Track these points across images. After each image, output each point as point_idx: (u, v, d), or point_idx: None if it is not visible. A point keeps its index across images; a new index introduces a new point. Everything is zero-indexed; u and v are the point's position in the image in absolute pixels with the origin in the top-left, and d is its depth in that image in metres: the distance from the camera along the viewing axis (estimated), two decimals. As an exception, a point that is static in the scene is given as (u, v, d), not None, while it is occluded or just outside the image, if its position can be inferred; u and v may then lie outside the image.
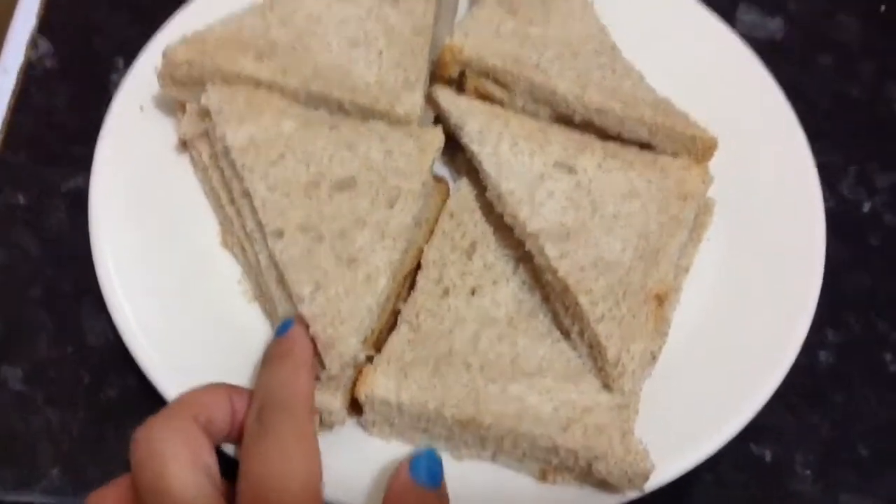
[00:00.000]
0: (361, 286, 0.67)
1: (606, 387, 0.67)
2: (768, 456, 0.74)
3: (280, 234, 0.68)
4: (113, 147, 0.77)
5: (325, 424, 0.67)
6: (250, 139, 0.72)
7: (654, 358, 0.71)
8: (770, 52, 0.89)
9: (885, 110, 0.93)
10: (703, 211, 0.78)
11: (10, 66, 0.87)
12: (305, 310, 0.65)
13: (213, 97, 0.73)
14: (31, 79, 0.86)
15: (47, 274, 0.77)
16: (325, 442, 0.66)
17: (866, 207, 0.87)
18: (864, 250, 0.84)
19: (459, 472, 0.67)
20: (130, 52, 0.82)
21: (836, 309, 0.80)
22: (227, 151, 0.72)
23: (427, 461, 0.60)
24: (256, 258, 0.71)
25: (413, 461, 0.59)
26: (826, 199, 0.79)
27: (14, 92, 0.85)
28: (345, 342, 0.64)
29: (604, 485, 0.66)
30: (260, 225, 0.69)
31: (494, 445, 0.66)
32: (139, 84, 0.79)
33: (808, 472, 0.74)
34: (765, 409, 0.70)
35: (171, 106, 0.79)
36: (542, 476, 0.67)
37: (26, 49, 0.87)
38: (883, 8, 0.99)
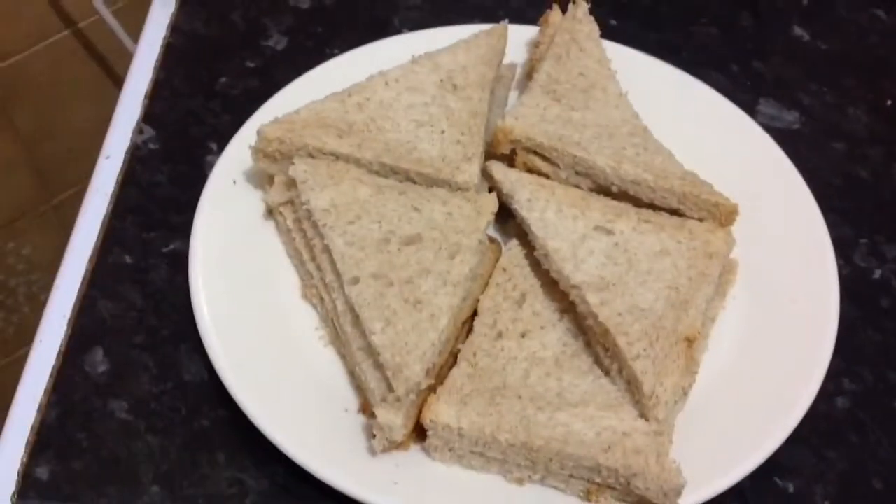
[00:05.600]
0: (426, 323, 0.77)
1: (643, 416, 0.76)
2: (791, 488, 0.82)
3: (356, 281, 0.79)
4: (209, 214, 0.89)
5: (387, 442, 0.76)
6: (331, 202, 0.83)
7: (684, 393, 0.80)
8: (788, 140, 1.00)
9: (891, 190, 1.03)
10: (728, 270, 0.87)
11: (112, 152, 1.00)
12: (377, 340, 0.75)
13: (299, 168, 0.85)
14: (136, 159, 0.99)
15: (150, 323, 0.88)
16: (393, 462, 0.76)
17: (877, 274, 0.96)
18: (876, 312, 0.93)
19: (511, 495, 0.76)
20: (223, 138, 0.95)
21: (851, 362, 0.89)
22: (310, 214, 0.83)
23: None
24: (334, 305, 0.81)
25: None
26: (841, 267, 0.89)
27: (121, 170, 0.97)
28: (411, 368, 0.74)
29: (642, 502, 0.74)
30: (338, 275, 0.80)
31: (543, 467, 0.75)
32: (232, 161, 0.92)
33: (828, 502, 0.81)
34: (789, 449, 0.78)
35: (260, 180, 0.91)
36: (587, 496, 0.75)
37: (133, 134, 1.00)
38: (889, 102, 1.11)
